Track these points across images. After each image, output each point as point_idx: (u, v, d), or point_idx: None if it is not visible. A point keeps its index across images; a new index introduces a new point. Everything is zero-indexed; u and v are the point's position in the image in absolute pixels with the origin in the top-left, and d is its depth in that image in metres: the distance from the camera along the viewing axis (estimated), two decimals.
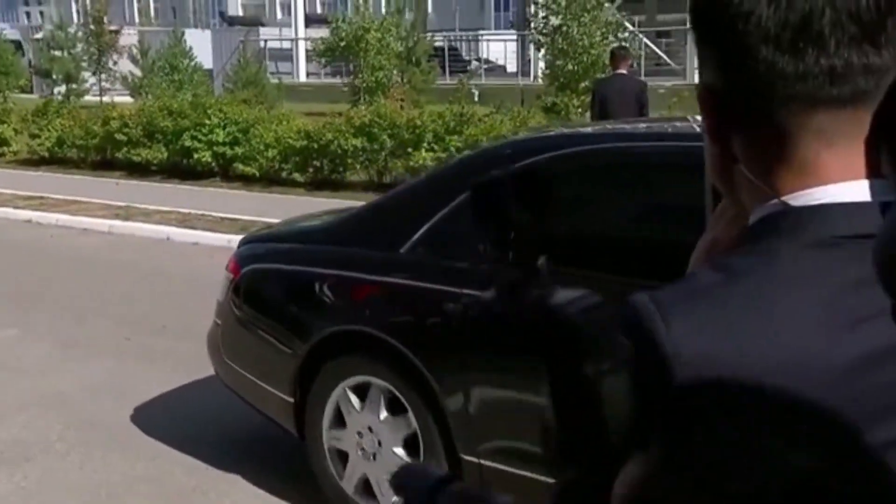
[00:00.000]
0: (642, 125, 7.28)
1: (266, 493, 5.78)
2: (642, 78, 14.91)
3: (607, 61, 16.87)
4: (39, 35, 31.82)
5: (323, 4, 64.43)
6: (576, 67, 17.02)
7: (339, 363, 5.34)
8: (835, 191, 1.08)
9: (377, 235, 5.38)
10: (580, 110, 16.72)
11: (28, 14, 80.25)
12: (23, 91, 27.55)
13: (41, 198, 16.46)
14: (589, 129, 7.65)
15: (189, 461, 6.25)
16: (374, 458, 5.23)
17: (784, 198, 1.11)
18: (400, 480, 1.39)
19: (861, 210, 1.07)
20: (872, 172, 1.09)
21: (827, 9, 1.05)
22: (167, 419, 6.93)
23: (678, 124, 6.17)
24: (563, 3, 17.36)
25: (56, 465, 6.32)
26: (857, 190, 1.08)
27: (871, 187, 1.08)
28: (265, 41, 41.47)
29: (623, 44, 17.28)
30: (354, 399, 5.26)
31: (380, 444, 5.19)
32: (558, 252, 1.57)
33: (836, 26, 1.06)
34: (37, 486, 6.01)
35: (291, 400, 5.47)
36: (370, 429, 5.21)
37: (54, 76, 24.66)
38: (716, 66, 1.16)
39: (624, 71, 13.20)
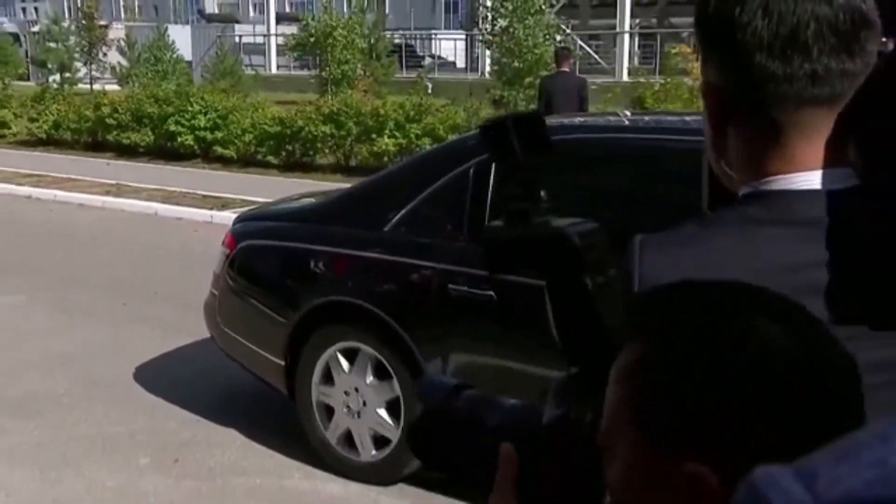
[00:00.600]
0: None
1: (257, 444, 5.73)
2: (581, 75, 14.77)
3: (549, 60, 16.96)
4: (36, 28, 31.58)
5: (292, 4, 64.07)
6: (521, 65, 17.03)
7: (329, 331, 5.29)
8: (809, 177, 1.18)
9: (363, 215, 5.33)
10: (525, 103, 16.70)
11: (24, 9, 79.95)
12: (20, 79, 27.28)
13: (40, 175, 16.29)
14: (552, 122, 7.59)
15: (184, 415, 6.19)
16: (358, 415, 5.20)
17: (768, 179, 1.21)
18: (420, 389, 1.34)
19: (818, 197, 1.18)
20: (840, 162, 1.19)
21: (811, 22, 1.15)
22: (163, 377, 6.85)
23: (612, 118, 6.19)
24: (511, 7, 17.36)
25: (63, 418, 6.23)
26: (826, 176, 1.19)
27: (836, 174, 1.19)
28: (240, 36, 41.18)
29: (565, 45, 17.31)
30: (344, 362, 5.23)
31: (364, 403, 5.17)
32: None
33: (818, 37, 1.15)
34: (47, 437, 5.92)
35: (282, 363, 5.43)
36: (356, 389, 5.18)
37: (49, 66, 24.46)
38: (718, 68, 1.24)
39: (567, 69, 13.20)
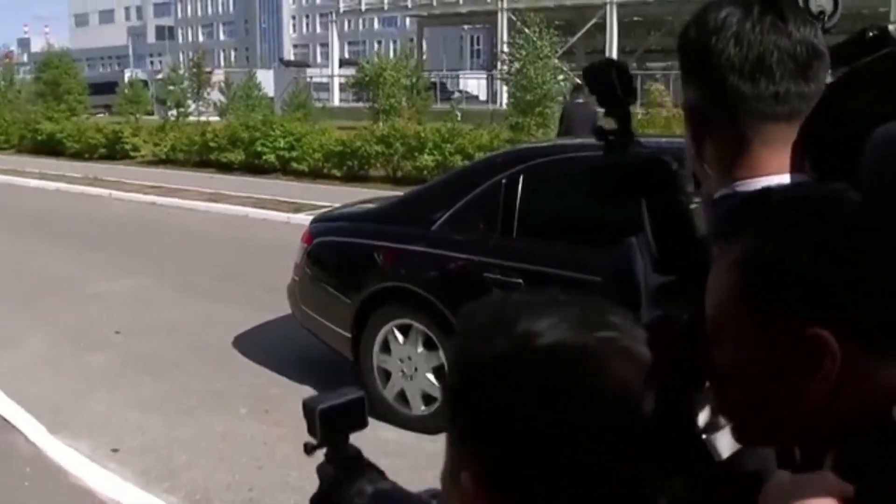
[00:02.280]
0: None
1: None
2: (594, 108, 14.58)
3: (555, 94, 16.83)
4: (159, 75, 31.86)
5: (350, 52, 64.07)
6: (532, 98, 16.89)
7: (387, 310, 5.18)
8: (770, 181, 1.11)
9: (415, 217, 5.24)
10: (535, 128, 16.59)
11: (152, 62, 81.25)
12: (148, 114, 27.51)
13: (160, 187, 16.28)
14: (549, 144, 7.50)
15: (272, 375, 6.12)
16: (411, 378, 5.10)
17: (737, 183, 1.16)
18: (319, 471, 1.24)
19: None
20: (797, 169, 1.15)
21: (774, 51, 1.12)
22: (255, 344, 6.78)
23: None
24: (524, 53, 17.28)
25: (180, 374, 6.20)
26: (784, 181, 1.13)
27: (794, 180, 1.14)
28: (311, 77, 41.10)
29: (578, 81, 17.20)
30: (399, 335, 5.12)
31: (416, 369, 5.07)
32: None
33: (780, 63, 1.12)
34: (169, 389, 5.89)
35: (349, 335, 5.34)
36: (409, 357, 5.06)
37: (168, 103, 24.53)
38: (697, 88, 1.20)
39: (581, 100, 12.93)
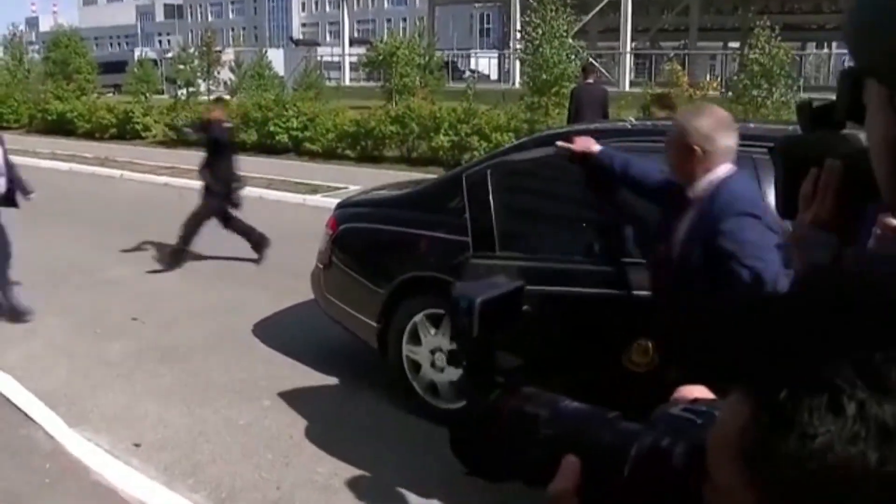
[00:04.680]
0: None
1: (354, 390, 5.45)
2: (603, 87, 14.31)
3: (571, 74, 16.54)
4: (169, 55, 31.63)
5: (359, 31, 63.64)
6: (549, 77, 16.60)
7: (417, 299, 4.99)
8: None
9: (444, 204, 4.98)
10: (552, 107, 16.38)
11: (160, 41, 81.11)
12: (158, 93, 27.27)
13: (173, 167, 16.11)
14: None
15: (296, 365, 5.95)
16: (442, 371, 4.89)
17: None
18: (463, 387, 1.00)
19: None
20: None
21: None
22: (276, 333, 6.61)
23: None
24: (541, 32, 16.98)
25: (201, 364, 6.04)
26: None
27: None
28: (321, 56, 40.77)
29: (586, 61, 16.90)
30: (430, 326, 4.90)
31: (447, 361, 4.84)
32: None
33: None
34: (191, 380, 5.73)
35: (377, 325, 5.14)
36: (441, 349, 4.85)
37: (178, 83, 24.35)
38: None
39: (591, 80, 12.68)
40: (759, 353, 0.61)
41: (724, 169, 2.90)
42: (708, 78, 21.44)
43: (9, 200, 6.85)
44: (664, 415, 0.82)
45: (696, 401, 0.84)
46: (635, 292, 3.84)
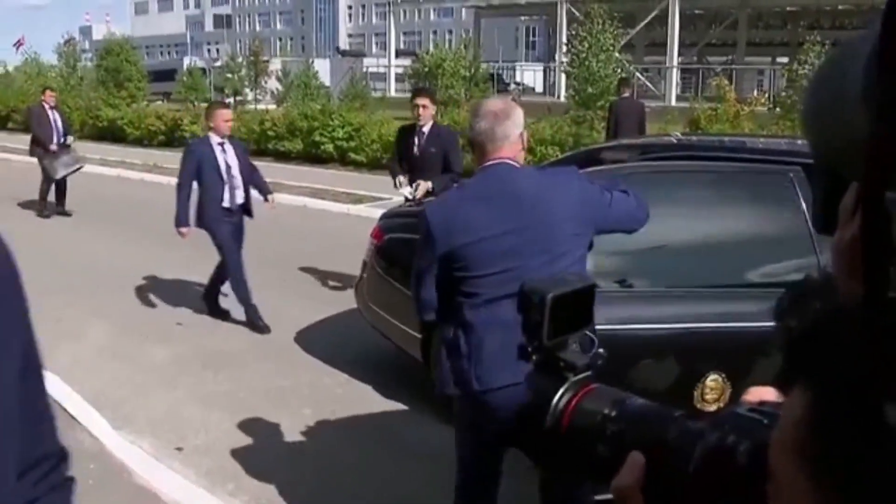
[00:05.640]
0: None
1: (395, 401, 5.44)
2: (640, 101, 14.23)
3: (616, 87, 16.44)
4: (218, 63, 32.21)
5: (405, 42, 63.99)
6: (595, 91, 16.55)
7: None
8: None
9: None
10: (597, 121, 16.29)
11: (209, 50, 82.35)
12: (205, 102, 27.64)
13: None
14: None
15: (336, 374, 5.97)
16: None
17: None
18: (530, 383, 0.98)
19: None
20: None
21: None
22: (318, 341, 6.65)
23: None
24: (587, 46, 16.94)
25: (243, 371, 6.07)
26: None
27: None
28: (367, 67, 41.05)
29: (626, 75, 16.81)
30: None
31: None
32: None
33: None
34: (233, 387, 5.76)
35: (420, 336, 5.10)
36: None
37: (226, 91, 24.72)
38: None
39: (627, 94, 12.64)
40: (819, 347, 0.60)
41: None
42: (755, 93, 21.11)
43: (246, 210, 7.13)
44: (730, 414, 0.82)
45: (763, 403, 0.83)
46: (705, 324, 3.69)
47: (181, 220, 6.96)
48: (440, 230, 2.88)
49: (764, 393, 0.88)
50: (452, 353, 2.97)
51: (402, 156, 7.05)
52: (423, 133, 6.94)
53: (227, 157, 6.88)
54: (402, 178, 6.93)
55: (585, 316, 1.05)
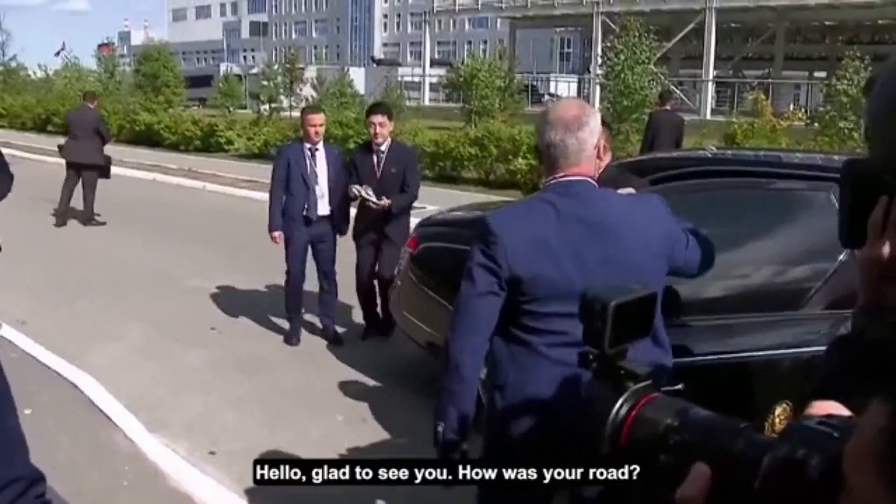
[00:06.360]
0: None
1: (427, 410, 5.36)
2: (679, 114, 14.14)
3: (652, 100, 16.37)
4: (253, 70, 32.54)
5: (440, 52, 64.21)
6: (630, 103, 16.49)
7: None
8: None
9: None
10: (632, 134, 16.22)
11: (245, 57, 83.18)
12: (241, 108, 27.99)
13: (255, 181, 16.34)
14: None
15: (368, 381, 5.98)
16: None
17: None
18: (586, 392, 0.99)
19: None
20: None
21: None
22: (350, 348, 6.67)
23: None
24: (622, 58, 16.89)
25: (275, 376, 6.10)
26: None
27: None
28: (402, 76, 41.24)
29: (666, 88, 16.74)
30: None
31: None
32: None
33: None
34: (265, 391, 5.78)
35: None
36: None
37: (262, 98, 24.92)
38: None
39: (668, 107, 12.57)
40: None
41: None
42: (792, 108, 20.94)
43: (333, 223, 6.85)
44: (799, 427, 0.80)
45: (831, 416, 0.81)
46: (774, 351, 3.56)
47: (271, 225, 6.79)
48: (513, 252, 2.45)
49: (829, 407, 0.86)
50: (506, 420, 2.54)
51: (361, 179, 6.56)
52: (382, 153, 6.61)
53: (314, 164, 6.72)
54: (359, 188, 6.51)
55: (647, 324, 1.04)
